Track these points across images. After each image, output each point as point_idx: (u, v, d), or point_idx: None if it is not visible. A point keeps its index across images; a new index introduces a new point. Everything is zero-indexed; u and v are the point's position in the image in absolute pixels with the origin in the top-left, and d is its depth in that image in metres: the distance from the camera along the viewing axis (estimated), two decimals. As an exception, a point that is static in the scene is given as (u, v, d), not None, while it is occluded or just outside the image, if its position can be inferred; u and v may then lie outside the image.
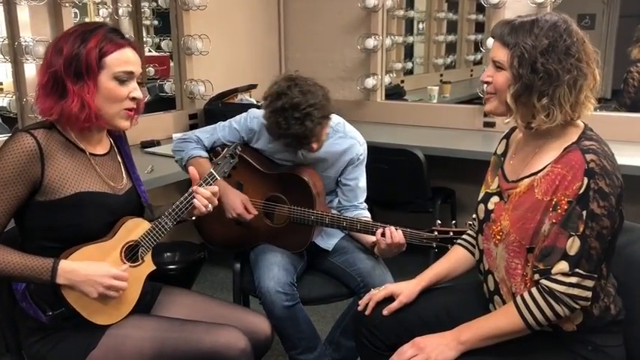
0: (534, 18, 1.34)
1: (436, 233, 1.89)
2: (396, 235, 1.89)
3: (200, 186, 1.58)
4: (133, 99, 1.48)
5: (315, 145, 1.95)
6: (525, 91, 1.33)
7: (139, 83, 1.50)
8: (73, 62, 1.40)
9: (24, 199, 1.43)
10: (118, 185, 1.57)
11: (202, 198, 1.56)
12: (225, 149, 1.64)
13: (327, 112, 1.93)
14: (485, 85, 1.44)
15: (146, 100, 3.50)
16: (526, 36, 1.31)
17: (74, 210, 1.46)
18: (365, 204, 2.18)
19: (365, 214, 2.14)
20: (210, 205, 1.58)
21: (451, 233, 1.87)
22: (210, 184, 1.60)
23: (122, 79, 1.45)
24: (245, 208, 2.03)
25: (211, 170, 1.59)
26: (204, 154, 2.10)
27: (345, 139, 2.11)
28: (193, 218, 1.65)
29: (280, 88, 1.88)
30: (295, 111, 1.84)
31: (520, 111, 1.37)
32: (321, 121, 1.90)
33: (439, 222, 1.92)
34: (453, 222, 1.93)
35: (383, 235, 1.91)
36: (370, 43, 3.64)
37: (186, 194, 1.57)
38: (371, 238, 2.00)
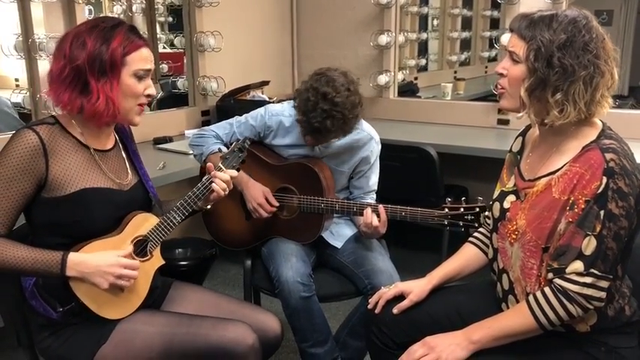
0: (554, 12, 1.32)
1: (447, 210, 1.88)
2: (368, 215, 1.93)
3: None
4: (148, 95, 1.52)
5: (313, 143, 2.00)
6: (539, 85, 1.31)
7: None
8: (97, 59, 1.41)
9: (30, 195, 1.44)
10: (123, 181, 1.57)
11: (221, 182, 1.58)
12: (234, 143, 1.63)
13: (349, 130, 1.97)
14: (498, 78, 1.42)
15: (159, 96, 3.55)
16: (544, 30, 1.29)
17: (80, 206, 1.46)
18: (374, 195, 2.19)
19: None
20: (227, 190, 1.60)
21: (462, 209, 1.85)
22: None
23: (141, 76, 1.48)
24: (266, 199, 2.05)
25: (220, 165, 1.59)
26: (224, 149, 2.10)
27: (362, 136, 2.11)
28: (209, 207, 1.66)
29: (339, 83, 1.89)
30: (328, 105, 1.85)
31: (534, 106, 1.35)
32: (338, 134, 1.95)
33: (449, 199, 1.90)
34: (463, 198, 1.90)
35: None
36: (383, 39, 3.62)
37: (198, 184, 1.57)
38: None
